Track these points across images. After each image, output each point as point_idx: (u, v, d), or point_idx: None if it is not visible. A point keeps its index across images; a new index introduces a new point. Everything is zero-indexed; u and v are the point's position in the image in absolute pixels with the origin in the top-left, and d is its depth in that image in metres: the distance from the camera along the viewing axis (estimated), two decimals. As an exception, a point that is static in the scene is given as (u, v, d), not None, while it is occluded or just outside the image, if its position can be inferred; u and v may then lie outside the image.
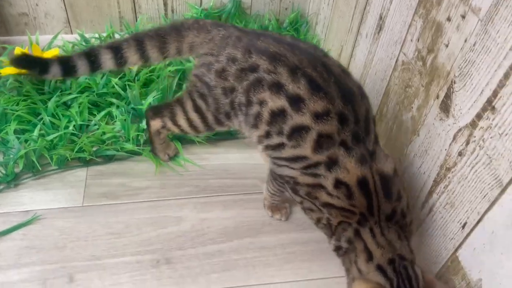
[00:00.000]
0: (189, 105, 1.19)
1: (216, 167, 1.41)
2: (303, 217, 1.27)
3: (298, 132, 0.94)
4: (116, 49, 1.14)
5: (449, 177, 0.95)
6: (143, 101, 1.42)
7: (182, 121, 1.22)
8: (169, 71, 1.54)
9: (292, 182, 1.01)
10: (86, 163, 1.36)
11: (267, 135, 1.01)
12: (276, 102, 0.96)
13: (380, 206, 0.90)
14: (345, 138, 0.92)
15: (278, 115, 0.96)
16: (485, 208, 0.84)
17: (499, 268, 0.81)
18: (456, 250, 0.94)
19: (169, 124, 1.25)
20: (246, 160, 1.44)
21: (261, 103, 0.98)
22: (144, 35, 1.15)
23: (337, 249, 0.97)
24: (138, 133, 1.37)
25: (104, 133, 1.36)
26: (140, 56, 1.16)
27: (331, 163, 0.92)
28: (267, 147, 1.04)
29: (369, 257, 0.88)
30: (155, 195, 1.31)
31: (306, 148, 0.94)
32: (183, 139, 1.44)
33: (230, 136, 1.49)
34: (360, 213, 0.91)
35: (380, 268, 0.86)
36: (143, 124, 1.37)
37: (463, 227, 0.91)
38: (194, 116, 1.19)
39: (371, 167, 0.92)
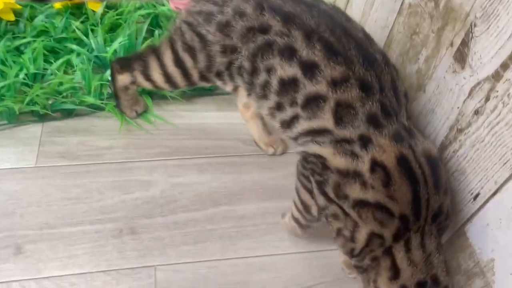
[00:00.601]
0: (168, 58, 1.01)
1: (192, 126, 1.25)
2: (289, 183, 1.13)
3: (314, 101, 0.78)
4: None
5: (460, 140, 0.81)
6: (108, 48, 1.23)
7: (156, 76, 1.05)
8: (140, 15, 1.34)
9: (321, 166, 0.78)
10: (41, 118, 1.18)
11: (279, 107, 0.85)
12: (286, 70, 0.81)
13: (429, 201, 0.71)
14: (371, 109, 0.75)
15: (288, 85, 0.81)
16: (504, 177, 0.71)
17: (517, 247, 0.69)
18: (464, 224, 0.81)
19: (140, 79, 1.08)
20: (226, 119, 1.27)
21: (269, 70, 0.84)
22: None
23: (356, 267, 0.79)
24: (102, 82, 1.19)
25: (61, 84, 1.18)
26: None
27: (365, 141, 0.74)
28: (283, 125, 0.87)
29: (394, 275, 0.71)
30: (120, 156, 1.15)
31: (326, 119, 0.77)
32: (154, 94, 1.26)
33: (209, 91, 1.32)
34: (401, 217, 0.70)
35: None
36: (107, 74, 1.19)
37: (475, 198, 0.77)
38: (174, 71, 1.02)
39: (411, 147, 0.73)
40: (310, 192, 0.84)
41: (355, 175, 0.73)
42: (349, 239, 0.74)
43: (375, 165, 0.72)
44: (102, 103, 1.18)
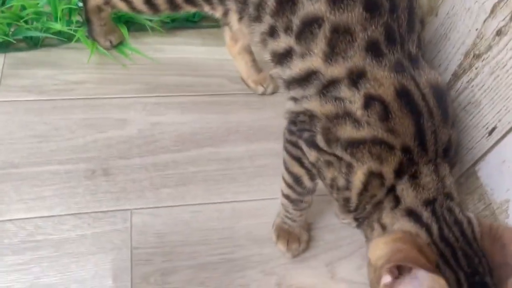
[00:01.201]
0: None
1: (174, 61, 1.12)
2: (279, 124, 1.04)
3: (309, 27, 0.66)
4: None
5: (477, 68, 0.71)
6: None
7: None
8: None
9: (309, 120, 0.69)
10: (3, 47, 1.05)
11: (272, 32, 0.72)
12: None
13: (436, 133, 0.61)
14: (373, 35, 0.63)
15: (286, 3, 0.68)
16: (528, 106, 0.62)
17: (538, 185, 0.61)
18: (475, 163, 0.72)
19: None
20: (211, 54, 1.15)
21: None
22: None
23: (356, 220, 0.69)
24: (70, 6, 1.05)
25: (24, 8, 1.04)
26: None
27: (356, 77, 0.63)
28: (275, 58, 0.74)
29: (396, 203, 0.61)
30: (93, 92, 1.04)
31: (316, 55, 0.65)
32: (131, 24, 1.13)
33: (193, 23, 1.19)
34: (403, 148, 0.60)
35: (410, 213, 0.59)
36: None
37: (490, 133, 0.69)
38: None
39: (413, 78, 0.62)
40: (299, 160, 0.74)
41: (345, 115, 0.63)
42: (344, 188, 0.65)
43: (370, 100, 0.61)
44: (70, 30, 1.05)
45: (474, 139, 0.72)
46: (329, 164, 0.65)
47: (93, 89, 1.04)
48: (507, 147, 0.66)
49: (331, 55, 0.64)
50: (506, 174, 0.66)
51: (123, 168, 0.94)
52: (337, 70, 0.64)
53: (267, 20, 0.73)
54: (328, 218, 0.94)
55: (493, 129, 0.68)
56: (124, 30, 1.10)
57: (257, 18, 0.75)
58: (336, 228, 0.93)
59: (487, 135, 0.69)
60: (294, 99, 0.74)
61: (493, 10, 0.67)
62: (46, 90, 1.02)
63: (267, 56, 0.77)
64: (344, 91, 0.63)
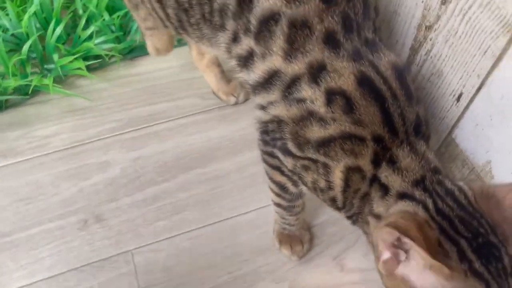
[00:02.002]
0: None
1: (141, 91, 1.12)
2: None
3: (266, 25, 0.65)
4: None
5: (431, 39, 0.71)
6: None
7: None
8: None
9: (277, 125, 0.68)
10: (-32, 118, 1.04)
11: (235, 37, 0.71)
12: None
13: (403, 114, 0.61)
14: (331, 26, 0.62)
15: (243, 2, 0.67)
16: (487, 68, 0.62)
17: (515, 142, 0.61)
18: (451, 131, 0.73)
19: None
20: (178, 75, 1.15)
21: None
22: None
23: (350, 218, 0.69)
24: (21, 57, 1.05)
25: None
26: None
27: (316, 71, 0.62)
28: (240, 62, 0.72)
29: (385, 191, 0.60)
30: (69, 141, 1.03)
31: (275, 53, 0.64)
32: (90, 59, 1.12)
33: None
34: (374, 137, 0.60)
35: (403, 196, 0.59)
36: (25, 49, 1.05)
37: (458, 99, 0.69)
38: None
39: (372, 63, 0.62)
40: (279, 168, 0.74)
41: (310, 115, 0.62)
42: (326, 188, 0.64)
43: (332, 95, 0.61)
44: (27, 82, 1.04)
45: (445, 108, 0.72)
46: (306, 168, 0.65)
47: (68, 139, 1.03)
48: (477, 110, 0.66)
49: (290, 51, 0.63)
50: (481, 136, 0.66)
51: (114, 211, 0.94)
52: (297, 66, 0.63)
53: (231, 25, 0.72)
54: (324, 213, 0.94)
55: (460, 95, 0.68)
56: (83, 71, 1.09)
57: (222, 26, 0.74)
58: (335, 220, 0.94)
59: (455, 102, 0.70)
60: (262, 107, 0.73)
61: (433, -20, 0.67)
62: (21, 150, 1.01)
63: (233, 63, 0.76)
64: (305, 90, 0.62)
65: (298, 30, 0.63)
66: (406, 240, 0.49)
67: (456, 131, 0.72)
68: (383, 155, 0.60)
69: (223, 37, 0.73)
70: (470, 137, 0.69)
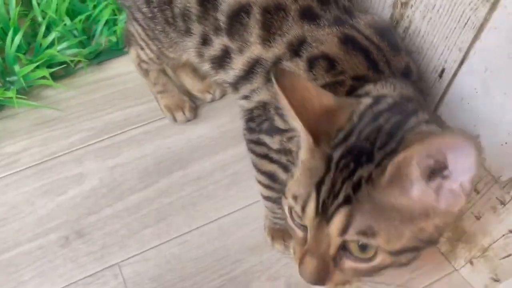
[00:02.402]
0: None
1: (111, 95, 1.07)
2: (238, 126, 1.01)
3: (237, 19, 0.64)
4: None
5: (408, 16, 0.69)
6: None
7: None
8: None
9: (263, 109, 0.69)
10: None
11: (205, 39, 0.70)
12: None
13: (389, 62, 0.59)
14: (306, 3, 0.62)
15: (207, 1, 0.66)
16: (469, 40, 0.60)
17: (502, 114, 0.60)
18: (436, 108, 0.71)
19: None
20: (148, 77, 1.10)
21: None
22: None
23: None
24: None
25: None
26: None
27: (296, 47, 0.62)
28: (215, 64, 0.72)
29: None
30: (40, 155, 0.98)
31: (253, 43, 0.64)
32: (54, 66, 1.06)
33: (119, 51, 1.13)
34: (354, 77, 0.58)
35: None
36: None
37: (441, 75, 0.67)
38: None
39: (353, 26, 0.62)
40: (266, 156, 0.72)
41: None
42: None
43: (314, 60, 0.61)
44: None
45: (428, 85, 0.70)
46: (292, 139, 0.64)
47: (39, 153, 0.98)
48: (460, 85, 0.65)
49: (268, 37, 0.63)
50: (467, 111, 0.65)
51: (96, 223, 0.90)
52: (278, 49, 0.63)
53: (197, 29, 0.70)
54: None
55: (442, 71, 0.67)
56: (48, 80, 1.03)
57: (188, 31, 0.72)
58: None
59: (438, 78, 0.68)
60: (245, 97, 0.72)
61: (405, -46, 0.65)
62: (-10, 170, 0.96)
63: (206, 66, 0.74)
64: (287, 65, 0.62)
65: (273, 15, 0.62)
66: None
67: (442, 108, 0.70)
68: (359, 86, 0.58)
69: (191, 42, 0.71)
70: (457, 112, 0.67)
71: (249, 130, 0.74)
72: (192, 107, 1.05)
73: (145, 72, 1.00)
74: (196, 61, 0.77)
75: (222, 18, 0.66)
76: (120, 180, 0.95)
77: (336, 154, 0.48)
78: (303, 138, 0.50)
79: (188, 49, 0.74)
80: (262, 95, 0.68)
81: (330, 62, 0.60)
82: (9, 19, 1.06)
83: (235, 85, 0.71)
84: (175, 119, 1.03)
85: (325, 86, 0.58)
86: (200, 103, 1.07)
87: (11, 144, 0.99)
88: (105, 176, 0.95)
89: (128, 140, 1.00)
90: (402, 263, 0.49)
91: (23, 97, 1.02)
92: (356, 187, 0.46)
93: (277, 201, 0.80)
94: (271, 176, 0.75)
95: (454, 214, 0.48)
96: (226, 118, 1.04)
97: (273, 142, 0.69)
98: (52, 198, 0.92)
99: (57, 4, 1.10)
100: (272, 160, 0.72)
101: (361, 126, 0.49)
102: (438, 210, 0.46)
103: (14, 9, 1.07)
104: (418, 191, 0.45)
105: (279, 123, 0.66)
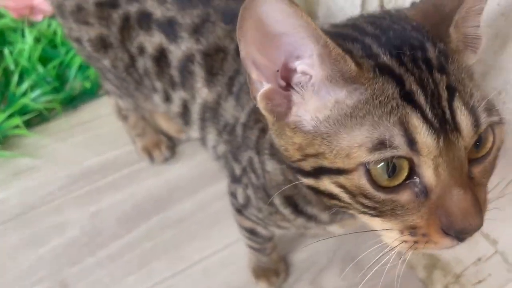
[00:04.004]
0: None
1: (88, 142, 1.08)
2: (214, 165, 1.03)
3: (185, 69, 0.66)
4: None
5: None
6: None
7: None
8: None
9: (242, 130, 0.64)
10: None
11: (167, 96, 0.71)
12: (151, 42, 0.67)
13: None
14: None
15: (159, 59, 0.68)
16: None
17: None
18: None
19: None
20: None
21: (141, 51, 0.69)
22: None
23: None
24: None
25: None
26: None
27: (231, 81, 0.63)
28: (182, 120, 0.73)
29: None
30: (19, 207, 0.98)
31: (201, 89, 0.65)
32: (27, 111, 1.06)
33: (92, 95, 1.14)
34: None
35: None
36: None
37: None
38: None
39: None
40: (240, 211, 0.71)
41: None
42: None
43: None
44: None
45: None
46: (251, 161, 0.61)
47: (18, 205, 0.98)
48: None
49: (211, 79, 0.64)
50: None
51: (79, 273, 0.90)
52: (220, 87, 0.64)
53: (158, 86, 0.72)
54: (294, 240, 0.94)
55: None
56: (21, 129, 1.03)
57: (153, 89, 0.74)
58: (304, 242, 0.94)
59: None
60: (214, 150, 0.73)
61: None
62: (-32, 226, 0.95)
63: (180, 123, 0.75)
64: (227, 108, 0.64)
65: (213, 56, 0.64)
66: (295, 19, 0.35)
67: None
68: None
69: (158, 98, 0.73)
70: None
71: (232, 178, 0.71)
72: (169, 145, 1.07)
73: (124, 118, 1.01)
74: (170, 117, 0.79)
75: (175, 73, 0.68)
76: (101, 226, 0.95)
77: (386, 57, 0.38)
78: (280, 126, 0.43)
79: (158, 105, 0.76)
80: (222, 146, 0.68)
81: None
82: (-19, 70, 1.06)
83: (203, 142, 0.73)
84: (153, 159, 1.04)
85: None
86: (177, 142, 1.09)
87: (-12, 197, 0.99)
88: (86, 224, 0.96)
89: (106, 186, 1.01)
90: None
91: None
92: (443, 69, 0.38)
93: (259, 250, 0.82)
94: (251, 231, 0.76)
95: None
96: (201, 156, 1.05)
97: (235, 165, 0.66)
98: (34, 250, 0.92)
99: (29, 52, 1.11)
100: (249, 218, 0.70)
101: (354, 33, 0.42)
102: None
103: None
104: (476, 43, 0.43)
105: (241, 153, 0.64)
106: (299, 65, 0.40)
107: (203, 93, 0.66)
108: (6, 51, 1.12)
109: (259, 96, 0.41)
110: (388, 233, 0.41)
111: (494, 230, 0.66)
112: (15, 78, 1.08)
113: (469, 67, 0.41)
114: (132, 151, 1.06)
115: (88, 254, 0.92)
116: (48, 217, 0.96)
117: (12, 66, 1.11)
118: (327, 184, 0.41)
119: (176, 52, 0.65)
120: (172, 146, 1.08)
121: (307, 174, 0.42)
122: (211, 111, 0.67)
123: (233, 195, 0.70)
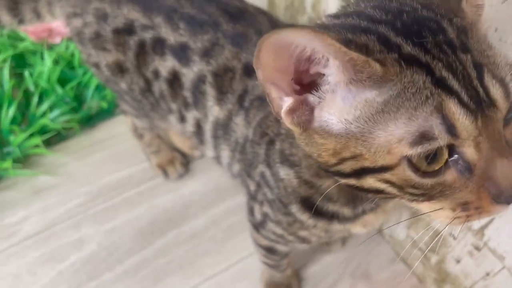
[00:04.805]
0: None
1: (105, 158, 1.12)
2: (227, 179, 1.06)
3: (198, 90, 0.69)
4: None
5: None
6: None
7: None
8: (1, 60, 1.16)
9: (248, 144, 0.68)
10: None
11: (182, 116, 0.75)
12: (165, 65, 0.71)
13: None
14: (248, 58, 0.67)
15: (173, 82, 0.72)
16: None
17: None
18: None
19: None
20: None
21: (156, 75, 0.73)
22: None
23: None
24: None
25: None
26: None
27: (241, 98, 0.67)
28: (196, 139, 0.77)
29: None
30: (39, 224, 1.01)
31: (212, 107, 0.69)
32: (47, 130, 1.11)
33: (109, 114, 1.18)
34: None
35: None
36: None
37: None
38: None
39: None
40: (259, 226, 0.72)
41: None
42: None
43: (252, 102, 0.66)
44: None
45: None
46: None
47: (39, 222, 1.01)
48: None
49: (221, 98, 0.68)
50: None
51: (97, 288, 0.93)
52: (231, 103, 0.67)
53: (174, 107, 0.75)
54: (306, 254, 0.96)
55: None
56: (41, 148, 1.08)
57: (170, 111, 0.77)
58: (318, 258, 0.96)
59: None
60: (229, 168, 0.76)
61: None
62: (-8, 243, 0.99)
63: (196, 142, 0.79)
64: (238, 122, 0.67)
65: (223, 76, 0.68)
66: (314, 43, 0.35)
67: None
68: None
69: (174, 119, 0.76)
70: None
71: (248, 205, 0.74)
72: (183, 162, 1.10)
73: (140, 136, 1.04)
74: (186, 136, 0.83)
75: (188, 94, 0.71)
76: (118, 242, 0.98)
77: (414, 49, 0.37)
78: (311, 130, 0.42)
79: (174, 125, 0.79)
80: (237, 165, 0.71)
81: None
82: (3, 93, 1.11)
83: (217, 159, 0.76)
84: (167, 175, 1.08)
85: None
86: (191, 159, 1.12)
87: (11, 214, 1.02)
88: (103, 239, 0.99)
89: (122, 203, 1.04)
90: None
91: (20, 166, 1.07)
92: (466, 48, 0.38)
93: (273, 266, 0.84)
94: (268, 249, 0.77)
95: None
96: (215, 173, 1.08)
97: (251, 181, 0.69)
98: (53, 266, 0.95)
99: (48, 74, 1.15)
100: (268, 238, 0.72)
101: (356, 21, 0.40)
102: None
103: (8, 83, 1.12)
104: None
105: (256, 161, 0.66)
106: (313, 67, 0.39)
107: (214, 111, 0.69)
108: (26, 73, 1.17)
109: (283, 113, 0.41)
110: (440, 212, 0.41)
111: (501, 245, 0.67)
112: (35, 99, 1.13)
113: (485, 36, 0.41)
114: (147, 168, 1.09)
115: (106, 270, 0.95)
116: (67, 233, 1.00)
117: (32, 88, 1.16)
118: (371, 182, 0.41)
119: (189, 74, 0.69)
120: (186, 162, 1.11)
121: (347, 175, 0.42)
122: (223, 128, 0.70)
123: (251, 212, 0.72)
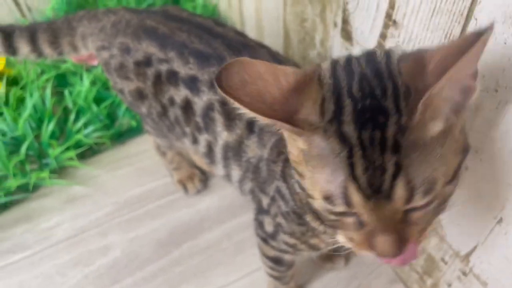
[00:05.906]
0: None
1: (132, 172, 1.22)
2: (240, 198, 1.13)
3: (207, 116, 0.78)
4: (7, 35, 0.95)
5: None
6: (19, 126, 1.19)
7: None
8: (45, 80, 1.30)
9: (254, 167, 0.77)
10: (-22, 221, 1.14)
11: (194, 138, 0.84)
12: (179, 94, 0.80)
13: None
14: None
15: (186, 109, 0.81)
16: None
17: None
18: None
19: None
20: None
21: (172, 102, 0.82)
22: (38, 27, 0.96)
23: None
24: (20, 158, 1.15)
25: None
26: (32, 49, 0.96)
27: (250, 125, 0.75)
28: (207, 158, 0.85)
29: None
30: (71, 230, 1.12)
31: (221, 132, 0.77)
32: (80, 146, 1.23)
33: (138, 131, 1.29)
34: None
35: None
36: (23, 149, 1.16)
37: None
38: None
39: None
40: (269, 237, 0.79)
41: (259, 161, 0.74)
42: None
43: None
44: (26, 180, 1.14)
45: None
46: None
47: (70, 228, 1.12)
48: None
49: (229, 123, 0.75)
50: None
51: (118, 292, 1.02)
52: (239, 129, 0.75)
53: (187, 130, 0.84)
54: (309, 268, 1.02)
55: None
56: (74, 161, 1.19)
57: (184, 134, 0.86)
58: (321, 275, 1.01)
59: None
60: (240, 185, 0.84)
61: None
62: (29, 245, 1.10)
63: (207, 162, 0.88)
64: (253, 139, 0.74)
65: (229, 104, 0.75)
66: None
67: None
68: None
69: (188, 141, 0.85)
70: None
71: (256, 217, 0.82)
72: (201, 179, 1.19)
73: (162, 153, 1.14)
74: (200, 157, 0.91)
75: (199, 119, 0.80)
76: (139, 251, 1.08)
77: (348, 127, 0.43)
78: (286, 133, 0.49)
79: (188, 147, 0.88)
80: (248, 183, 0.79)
81: None
82: (45, 109, 1.24)
83: (227, 177, 0.84)
84: (187, 191, 1.17)
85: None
86: (209, 176, 1.21)
87: (46, 220, 1.14)
88: (126, 247, 1.08)
89: (145, 214, 1.14)
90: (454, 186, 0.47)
91: (57, 177, 1.19)
92: (396, 148, 0.42)
93: (278, 278, 0.91)
94: (275, 260, 0.84)
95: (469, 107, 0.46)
96: (232, 189, 1.16)
97: (263, 196, 0.76)
98: (81, 269, 1.06)
99: (86, 93, 1.28)
100: (273, 248, 0.80)
101: (343, 85, 0.46)
102: (462, 112, 0.45)
103: (50, 100, 1.25)
104: (447, 110, 0.44)
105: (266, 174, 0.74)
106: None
107: (223, 136, 0.77)
108: (66, 92, 1.30)
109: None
110: (340, 235, 0.53)
111: (484, 272, 0.71)
112: (72, 116, 1.25)
113: (433, 138, 0.43)
114: (168, 183, 1.19)
115: (127, 275, 1.04)
116: (95, 239, 1.10)
117: (70, 105, 1.28)
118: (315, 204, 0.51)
119: (199, 103, 0.78)
120: (204, 179, 1.19)
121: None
122: (233, 150, 0.78)
123: (260, 225, 0.79)
